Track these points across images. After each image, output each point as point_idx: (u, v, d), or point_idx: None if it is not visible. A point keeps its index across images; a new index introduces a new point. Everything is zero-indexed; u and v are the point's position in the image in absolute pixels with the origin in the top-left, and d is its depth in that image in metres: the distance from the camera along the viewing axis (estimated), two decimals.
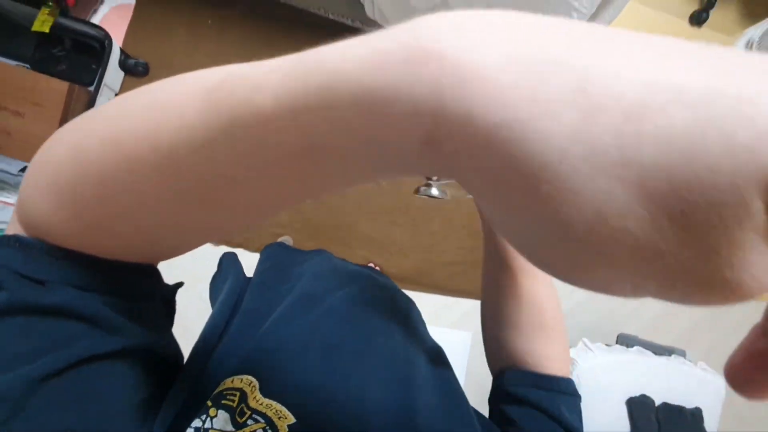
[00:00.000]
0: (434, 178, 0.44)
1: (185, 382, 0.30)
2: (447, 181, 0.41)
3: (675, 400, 1.25)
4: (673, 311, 1.90)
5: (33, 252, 0.22)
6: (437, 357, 0.47)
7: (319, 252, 0.73)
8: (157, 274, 0.29)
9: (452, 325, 1.73)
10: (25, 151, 1.29)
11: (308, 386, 0.34)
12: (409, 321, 0.52)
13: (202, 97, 0.17)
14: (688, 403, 1.26)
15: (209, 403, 0.29)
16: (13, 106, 1.26)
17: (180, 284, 0.33)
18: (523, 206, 0.12)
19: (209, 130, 0.17)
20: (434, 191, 0.44)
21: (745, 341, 0.13)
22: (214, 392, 0.30)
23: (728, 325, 1.92)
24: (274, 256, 0.69)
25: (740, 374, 0.13)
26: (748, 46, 1.96)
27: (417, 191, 0.45)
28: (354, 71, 0.13)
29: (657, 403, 1.22)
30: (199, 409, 0.29)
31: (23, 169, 1.28)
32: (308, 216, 1.66)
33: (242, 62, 0.18)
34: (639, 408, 1.19)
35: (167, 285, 0.31)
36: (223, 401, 0.29)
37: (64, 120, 1.30)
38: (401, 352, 0.43)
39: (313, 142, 0.15)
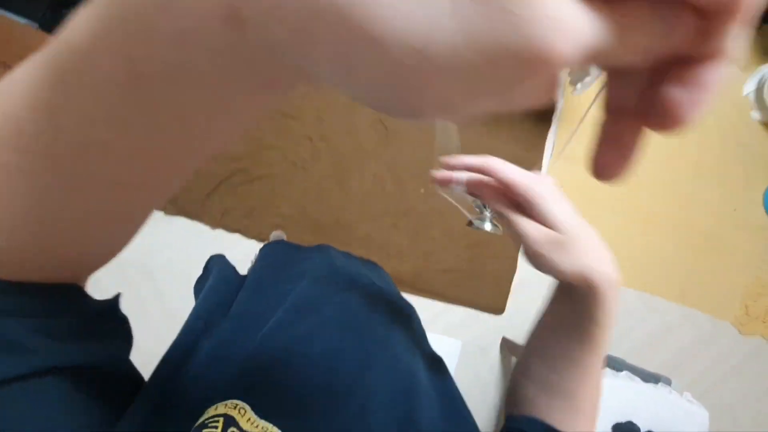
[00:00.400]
0: (487, 212, 0.42)
1: (151, 397, 0.29)
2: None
3: (660, 429, 1.26)
4: (661, 338, 1.92)
5: None
6: (437, 367, 0.46)
7: (320, 249, 0.71)
8: (79, 292, 0.27)
9: (443, 331, 1.72)
10: None
11: (307, 405, 0.33)
12: (410, 328, 0.51)
13: (38, 60, 0.17)
14: None
15: None
16: (16, 64, 1.21)
17: (118, 295, 0.31)
18: (343, 47, 0.11)
19: (47, 91, 0.16)
20: (487, 226, 0.42)
21: (598, 137, 0.16)
22: (197, 423, 0.28)
23: (714, 353, 1.95)
24: (272, 254, 0.66)
25: (604, 163, 0.15)
26: (761, 82, 1.98)
27: (470, 224, 0.43)
28: None
29: (642, 431, 1.23)
30: None
31: None
32: (309, 211, 1.64)
33: None
34: None
35: (98, 301, 0.29)
36: (204, 430, 0.27)
37: None
38: (402, 363, 0.42)
39: (134, 65, 0.14)
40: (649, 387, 1.34)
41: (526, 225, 0.34)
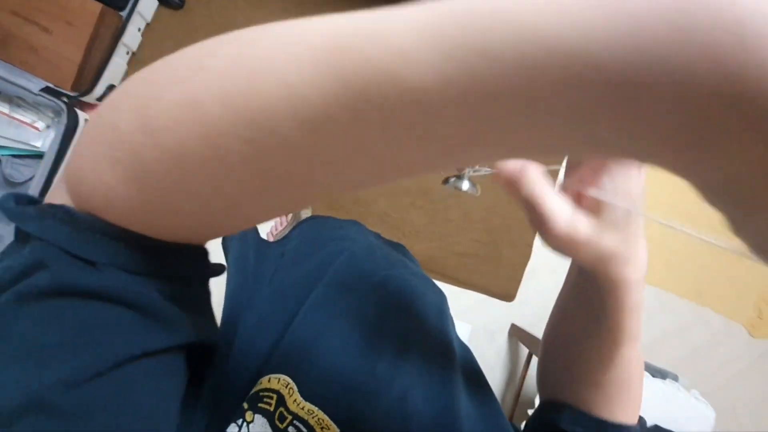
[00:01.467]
0: (467, 170, 0.36)
1: (216, 376, 0.28)
2: (483, 173, 0.35)
3: (666, 424, 1.26)
4: (672, 335, 1.91)
5: (84, 228, 0.18)
6: (468, 358, 0.46)
7: (354, 223, 0.72)
8: (207, 257, 0.26)
9: (453, 315, 1.72)
10: (49, 70, 1.23)
11: (350, 390, 0.32)
12: (442, 317, 0.51)
13: (313, 58, 0.13)
14: (679, 430, 1.27)
15: (245, 405, 0.27)
16: (44, 21, 1.20)
17: (223, 267, 0.30)
18: None
19: (328, 105, 0.13)
20: (465, 185, 0.37)
21: None
22: (251, 392, 0.28)
23: (724, 354, 1.94)
24: (308, 229, 0.66)
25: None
26: None
27: (446, 181, 0.38)
28: (569, 27, 0.09)
29: (648, 424, 1.24)
30: (232, 409, 0.27)
31: (44, 89, 1.22)
32: None
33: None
34: None
35: (214, 266, 0.27)
36: (260, 404, 0.27)
37: (92, 43, 1.23)
38: (438, 353, 0.42)
39: (482, 129, 0.11)
40: (657, 382, 1.34)
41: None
